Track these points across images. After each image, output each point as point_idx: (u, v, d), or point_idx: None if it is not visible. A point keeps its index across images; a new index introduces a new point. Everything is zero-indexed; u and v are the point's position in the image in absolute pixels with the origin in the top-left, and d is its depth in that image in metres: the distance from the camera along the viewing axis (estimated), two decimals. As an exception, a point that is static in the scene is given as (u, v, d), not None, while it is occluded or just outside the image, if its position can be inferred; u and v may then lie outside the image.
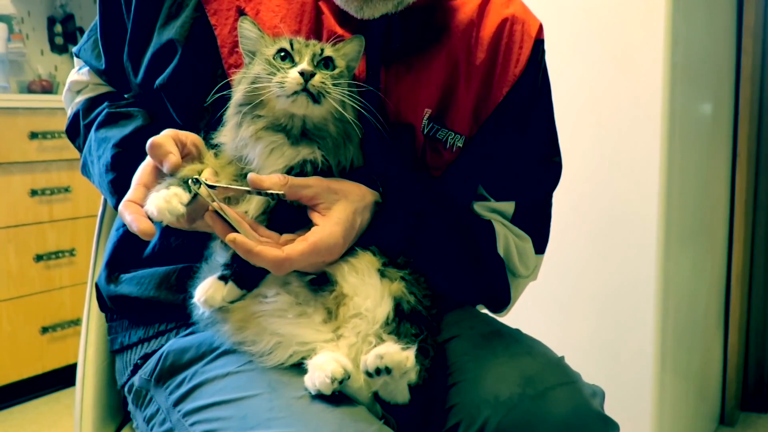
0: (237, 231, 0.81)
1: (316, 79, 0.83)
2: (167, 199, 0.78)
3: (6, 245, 2.62)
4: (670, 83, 1.85)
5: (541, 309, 1.98)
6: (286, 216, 0.86)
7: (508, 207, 1.06)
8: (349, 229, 0.86)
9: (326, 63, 0.87)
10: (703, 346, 2.31)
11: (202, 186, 0.80)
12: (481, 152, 1.01)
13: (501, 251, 1.03)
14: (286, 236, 0.84)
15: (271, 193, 0.82)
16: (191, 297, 0.88)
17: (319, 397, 0.81)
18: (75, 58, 1.13)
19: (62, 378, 2.83)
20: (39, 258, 2.71)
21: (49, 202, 2.74)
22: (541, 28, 1.05)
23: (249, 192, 0.84)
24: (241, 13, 0.96)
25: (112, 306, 1.06)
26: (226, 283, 0.84)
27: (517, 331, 1.01)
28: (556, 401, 0.86)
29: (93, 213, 2.83)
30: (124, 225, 1.07)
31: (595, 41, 1.94)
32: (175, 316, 0.99)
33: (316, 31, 0.97)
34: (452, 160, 1.00)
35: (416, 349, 0.81)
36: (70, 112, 1.13)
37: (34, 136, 2.66)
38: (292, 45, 0.86)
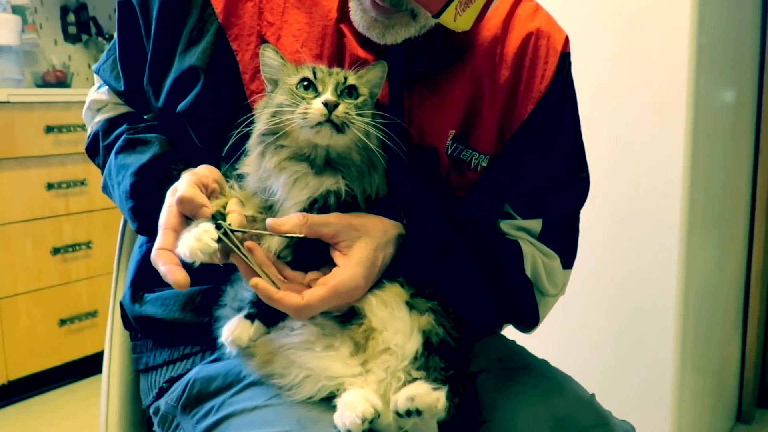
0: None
1: (340, 110, 0.82)
2: (198, 237, 0.77)
3: (23, 239, 2.63)
4: (695, 67, 1.79)
5: (560, 303, 1.96)
6: (310, 249, 0.85)
7: (536, 225, 1.04)
8: (370, 267, 0.85)
9: (350, 92, 0.85)
10: (721, 342, 2.29)
11: (226, 232, 0.79)
12: (505, 171, 1.00)
13: (528, 272, 1.02)
14: (311, 275, 0.84)
15: (292, 236, 0.82)
16: (216, 320, 0.88)
17: (349, 435, 0.80)
18: (95, 75, 1.12)
19: (80, 369, 2.86)
20: (56, 251, 2.73)
21: (66, 196, 2.75)
22: (567, 40, 1.03)
23: (270, 235, 0.83)
24: (262, 39, 0.94)
25: (136, 326, 1.06)
26: (252, 322, 0.84)
27: (546, 364, 1.00)
28: (588, 444, 0.85)
29: (108, 206, 2.83)
30: (147, 242, 1.06)
31: (619, 26, 1.89)
32: (200, 339, 0.99)
33: (338, 55, 0.95)
34: (476, 180, 0.99)
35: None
36: (90, 131, 1.12)
37: (49, 129, 2.66)
38: (315, 74, 0.85)
